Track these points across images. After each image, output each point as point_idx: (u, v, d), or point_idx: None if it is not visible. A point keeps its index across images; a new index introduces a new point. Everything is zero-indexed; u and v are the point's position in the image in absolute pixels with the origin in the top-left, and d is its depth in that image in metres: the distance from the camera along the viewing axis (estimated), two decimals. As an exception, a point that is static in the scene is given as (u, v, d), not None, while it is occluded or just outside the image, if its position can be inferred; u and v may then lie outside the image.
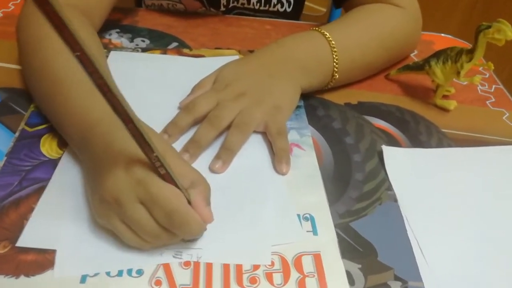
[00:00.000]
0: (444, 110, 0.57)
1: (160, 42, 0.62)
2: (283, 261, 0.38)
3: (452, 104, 0.57)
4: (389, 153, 0.49)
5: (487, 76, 0.65)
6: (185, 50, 0.61)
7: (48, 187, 0.41)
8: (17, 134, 0.46)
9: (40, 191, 0.41)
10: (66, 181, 0.42)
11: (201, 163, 0.45)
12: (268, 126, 0.48)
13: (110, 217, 0.35)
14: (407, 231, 0.42)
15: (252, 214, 0.41)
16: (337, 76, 0.55)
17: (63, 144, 0.45)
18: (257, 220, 0.41)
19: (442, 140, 0.53)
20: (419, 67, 0.57)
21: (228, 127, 0.47)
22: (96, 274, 0.35)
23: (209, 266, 0.37)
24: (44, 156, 0.44)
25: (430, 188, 0.46)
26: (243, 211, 0.41)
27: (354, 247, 0.40)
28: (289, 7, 0.72)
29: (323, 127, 0.52)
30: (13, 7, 0.66)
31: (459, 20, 1.14)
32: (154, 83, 0.55)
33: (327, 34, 0.54)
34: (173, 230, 0.35)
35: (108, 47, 0.60)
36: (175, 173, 0.35)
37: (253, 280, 0.36)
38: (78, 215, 0.39)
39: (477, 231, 0.43)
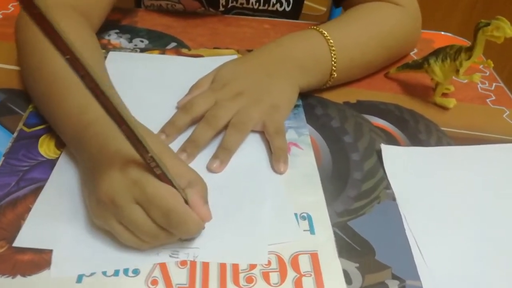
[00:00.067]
0: (444, 108, 0.57)
1: (158, 42, 0.62)
2: (280, 260, 0.38)
3: (451, 102, 0.56)
4: (388, 151, 0.49)
5: (487, 74, 0.65)
6: (184, 50, 0.61)
7: (45, 187, 0.41)
8: (15, 134, 0.46)
9: (37, 191, 0.41)
10: (63, 182, 0.42)
11: (199, 163, 0.45)
12: (266, 126, 0.48)
13: (107, 218, 0.35)
14: (405, 230, 0.42)
15: (249, 214, 0.41)
16: (336, 75, 0.55)
17: (61, 144, 0.45)
18: (254, 219, 0.41)
19: (441, 138, 0.53)
20: (418, 65, 0.57)
21: (226, 126, 0.47)
22: (92, 274, 0.35)
23: (205, 266, 0.37)
24: (42, 156, 0.44)
25: (429, 187, 0.46)
26: (241, 211, 0.41)
27: (352, 246, 0.40)
28: (288, 6, 0.72)
29: (321, 126, 0.52)
30: (12, 8, 0.66)
31: (459, 20, 1.14)
32: (152, 83, 0.55)
33: (326, 33, 0.54)
34: (170, 229, 0.35)
35: (107, 48, 0.60)
36: (171, 173, 0.35)
37: (249, 280, 0.36)
38: (75, 215, 0.39)
39: (476, 230, 0.42)
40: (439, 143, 0.52)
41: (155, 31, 0.65)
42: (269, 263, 0.37)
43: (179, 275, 0.36)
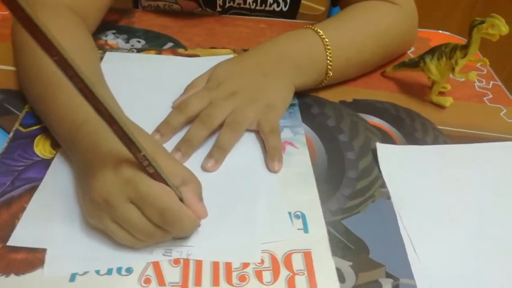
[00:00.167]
0: (440, 107, 0.57)
1: (155, 42, 0.63)
2: (273, 259, 0.38)
3: (448, 101, 0.56)
4: (383, 150, 0.49)
5: (484, 72, 0.64)
6: (180, 50, 0.61)
7: (40, 187, 0.41)
8: (11, 134, 0.46)
9: (32, 191, 0.41)
10: (58, 181, 0.42)
11: (194, 162, 0.45)
12: (261, 125, 0.48)
13: (101, 217, 0.36)
14: (399, 229, 0.42)
15: (243, 212, 0.41)
16: (331, 74, 0.55)
17: (56, 144, 0.45)
18: (247, 218, 0.41)
19: (438, 137, 0.53)
20: (415, 64, 0.57)
21: (221, 126, 0.47)
22: (85, 273, 0.35)
23: (198, 264, 0.37)
24: (38, 156, 0.44)
25: (425, 186, 0.46)
26: (234, 210, 0.41)
27: (345, 244, 0.40)
28: (285, 6, 0.72)
29: (317, 125, 0.52)
30: (10, 10, 0.67)
31: (459, 20, 1.14)
32: (149, 83, 0.55)
33: (321, 32, 0.54)
34: (166, 227, 0.35)
35: (104, 48, 0.60)
36: (165, 172, 0.35)
37: (242, 278, 0.36)
38: (69, 214, 0.39)
39: (471, 229, 0.42)
40: (435, 141, 0.52)
41: (152, 32, 0.65)
42: (262, 261, 0.37)
43: (172, 274, 0.36)
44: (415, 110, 0.56)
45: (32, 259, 0.36)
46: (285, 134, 0.50)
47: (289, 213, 0.41)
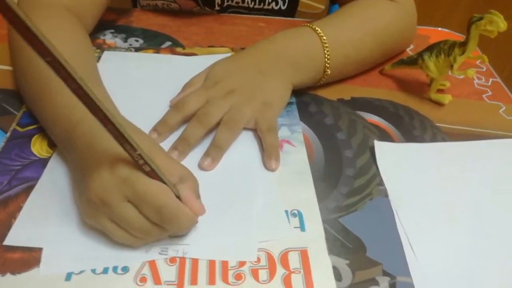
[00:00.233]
0: (439, 104, 0.56)
1: (153, 41, 0.63)
2: (270, 257, 0.37)
3: (446, 98, 0.56)
4: (381, 148, 0.49)
5: (484, 69, 0.64)
6: (178, 49, 0.61)
7: (36, 186, 0.41)
8: (8, 134, 0.46)
9: (29, 190, 0.41)
10: (55, 180, 0.42)
11: (190, 161, 0.45)
12: (258, 123, 0.48)
13: (98, 217, 0.35)
14: (397, 227, 0.41)
15: (240, 211, 0.41)
16: (329, 72, 0.54)
17: (53, 144, 0.45)
18: (244, 217, 0.40)
19: (436, 134, 0.52)
20: (413, 61, 0.57)
21: (218, 124, 0.47)
22: (81, 272, 0.35)
23: (194, 263, 0.37)
24: (35, 155, 0.44)
25: (423, 183, 0.46)
26: (231, 208, 0.41)
27: (342, 242, 0.40)
28: (283, 5, 0.72)
29: (315, 123, 0.52)
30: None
31: (460, 19, 1.14)
32: (146, 82, 0.55)
33: (319, 29, 0.54)
34: (163, 225, 0.35)
35: (102, 47, 0.60)
36: (162, 170, 0.35)
37: (238, 277, 0.36)
38: (65, 213, 0.39)
39: (469, 228, 0.42)
40: (433, 139, 0.52)
41: (150, 31, 0.65)
42: (259, 260, 0.37)
43: (168, 272, 0.36)
44: (413, 108, 0.56)
45: (28, 258, 0.36)
46: (283, 132, 0.50)
47: (286, 211, 0.41)
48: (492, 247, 0.40)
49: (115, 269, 0.36)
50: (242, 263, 0.37)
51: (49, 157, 0.44)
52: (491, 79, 0.62)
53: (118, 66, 0.57)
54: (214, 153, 0.45)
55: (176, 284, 0.35)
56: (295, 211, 0.41)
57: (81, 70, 0.29)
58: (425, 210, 0.43)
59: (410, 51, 0.66)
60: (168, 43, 0.63)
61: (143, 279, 0.35)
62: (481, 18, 0.48)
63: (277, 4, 0.71)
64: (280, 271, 0.37)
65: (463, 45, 0.51)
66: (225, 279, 0.36)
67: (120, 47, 0.61)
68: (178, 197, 0.36)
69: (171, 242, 0.38)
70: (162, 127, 0.47)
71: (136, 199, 0.34)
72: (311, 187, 0.44)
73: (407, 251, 0.39)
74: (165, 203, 0.34)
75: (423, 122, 0.54)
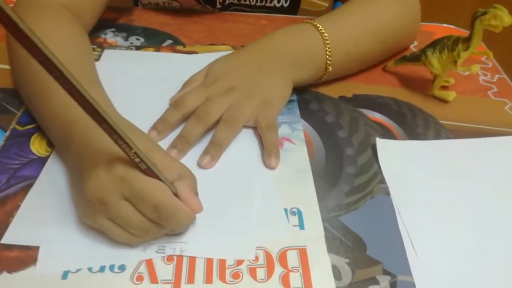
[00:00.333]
0: (443, 101, 0.55)
1: (154, 40, 0.62)
2: (268, 256, 0.37)
3: (451, 95, 0.55)
4: (383, 145, 0.48)
5: (490, 65, 0.63)
6: (179, 47, 0.61)
7: (35, 185, 0.41)
8: (7, 133, 0.46)
9: (27, 188, 0.41)
10: (53, 179, 0.42)
11: (190, 159, 0.45)
12: (258, 121, 0.47)
13: (96, 216, 0.35)
14: (398, 225, 0.41)
15: (238, 209, 0.40)
16: (331, 69, 0.54)
17: (52, 143, 0.45)
18: (243, 215, 0.40)
19: (440, 132, 0.51)
20: (416, 57, 0.56)
21: (218, 122, 0.47)
22: (78, 270, 0.35)
23: (192, 262, 0.36)
24: (34, 154, 0.44)
25: (425, 182, 0.45)
26: (230, 206, 0.41)
27: (342, 241, 0.39)
28: (286, 2, 0.71)
29: (316, 121, 0.51)
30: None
31: (466, 18, 1.13)
32: (147, 80, 0.55)
33: (320, 26, 0.53)
34: (161, 222, 0.35)
35: (103, 46, 0.60)
36: (159, 167, 0.35)
37: (236, 275, 0.36)
38: (62, 212, 0.39)
39: (471, 226, 0.41)
40: (437, 136, 0.51)
41: (151, 29, 0.65)
42: (257, 258, 0.37)
43: (165, 271, 0.35)
44: (416, 105, 0.55)
45: (25, 256, 0.36)
46: (283, 130, 0.49)
47: (285, 209, 0.41)
48: (495, 246, 0.40)
49: (112, 267, 0.35)
50: (240, 262, 0.36)
51: (48, 156, 0.44)
52: (496, 75, 0.61)
53: (118, 64, 0.57)
54: (214, 151, 0.45)
55: (173, 282, 0.35)
56: (295, 209, 0.41)
57: (78, 70, 0.29)
58: (427, 208, 0.42)
59: (414, 47, 0.65)
60: (169, 42, 0.62)
61: (140, 278, 0.35)
62: (485, 13, 0.47)
63: (279, 1, 0.71)
64: (278, 269, 0.36)
65: (467, 40, 0.50)
66: (222, 278, 0.35)
67: (121, 46, 0.61)
68: (175, 194, 0.36)
69: (169, 240, 0.37)
70: (161, 125, 0.47)
71: (133, 197, 0.34)
72: (311, 186, 0.43)
73: (408, 249, 0.39)
74: (163, 201, 0.34)
75: (426, 119, 0.53)
